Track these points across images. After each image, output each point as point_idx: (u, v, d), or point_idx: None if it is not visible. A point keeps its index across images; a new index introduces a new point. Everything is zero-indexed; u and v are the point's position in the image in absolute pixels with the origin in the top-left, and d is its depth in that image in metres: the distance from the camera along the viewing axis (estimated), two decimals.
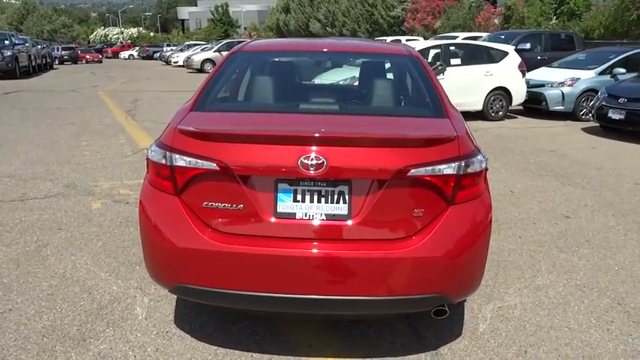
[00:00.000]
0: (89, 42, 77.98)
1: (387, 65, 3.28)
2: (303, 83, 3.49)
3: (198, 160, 2.17)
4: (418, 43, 12.95)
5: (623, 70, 10.48)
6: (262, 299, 2.19)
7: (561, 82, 10.64)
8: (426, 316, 2.82)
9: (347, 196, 2.16)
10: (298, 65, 3.51)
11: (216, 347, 2.58)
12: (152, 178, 2.35)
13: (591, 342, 2.71)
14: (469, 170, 2.19)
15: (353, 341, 2.66)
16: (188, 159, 2.19)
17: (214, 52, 26.01)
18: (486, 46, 10.96)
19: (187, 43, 43.61)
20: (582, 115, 10.59)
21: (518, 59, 10.63)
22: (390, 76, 3.13)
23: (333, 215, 2.17)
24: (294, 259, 2.14)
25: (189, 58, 26.84)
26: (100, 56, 42.91)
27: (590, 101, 10.41)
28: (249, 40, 3.46)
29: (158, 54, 42.15)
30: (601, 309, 3.06)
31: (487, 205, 2.32)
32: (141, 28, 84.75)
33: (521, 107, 11.24)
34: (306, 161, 2.08)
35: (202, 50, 28.63)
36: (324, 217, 2.17)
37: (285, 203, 2.17)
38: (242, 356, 2.51)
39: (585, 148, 8.00)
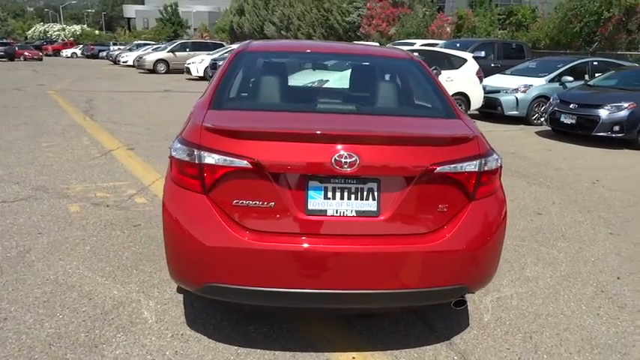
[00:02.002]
0: (26, 38, 73.88)
1: (395, 68, 3.37)
2: (312, 81, 3.53)
3: (230, 158, 2.16)
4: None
5: (570, 78, 11.18)
6: (295, 296, 2.21)
7: (515, 89, 11.20)
8: (433, 308, 2.95)
9: (376, 193, 2.22)
10: (317, 67, 3.54)
11: (236, 347, 2.57)
12: (176, 176, 2.32)
13: (586, 326, 2.91)
14: (487, 168, 2.31)
15: (369, 335, 2.72)
16: (218, 157, 2.18)
17: (168, 52, 25.41)
18: (447, 53, 11.36)
19: (136, 42, 42.29)
20: (534, 119, 11.19)
21: (476, 66, 11.10)
22: (398, 78, 3.22)
23: (363, 212, 2.22)
24: (326, 255, 2.18)
25: (140, 58, 26.05)
26: (40, 53, 40.73)
27: (542, 107, 11.03)
28: (249, 41, 3.44)
29: (105, 53, 40.62)
30: (588, 297, 3.28)
31: (502, 201, 2.45)
32: (84, 26, 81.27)
33: (477, 112, 11.72)
34: (339, 159, 2.13)
35: (154, 50, 27.87)
36: (354, 213, 2.22)
37: (316, 200, 2.21)
38: (264, 355, 2.51)
39: (542, 150, 8.46)
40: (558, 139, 9.37)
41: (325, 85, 3.58)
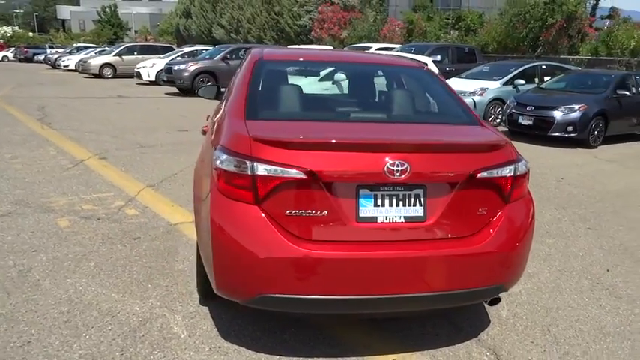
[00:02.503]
0: None
1: (410, 76, 3.49)
2: (339, 90, 3.59)
3: (284, 169, 2.19)
4: None
5: (522, 81, 11.82)
6: (349, 302, 2.27)
7: (472, 92, 11.67)
8: (456, 308, 3.07)
9: (422, 199, 2.32)
10: (334, 75, 3.59)
11: (278, 356, 2.59)
12: (224, 187, 2.30)
13: (593, 316, 3.14)
14: (519, 172, 2.47)
15: (402, 337, 2.81)
16: (271, 167, 2.19)
17: (114, 56, 24.51)
18: (409, 58, 11.68)
19: (76, 45, 40.44)
20: (490, 121, 11.72)
21: (436, 70, 11.48)
22: (416, 86, 3.34)
23: (411, 217, 2.31)
24: (378, 261, 2.25)
25: (85, 62, 24.95)
26: None
27: (497, 109, 11.59)
28: (262, 48, 3.44)
29: (42, 57, 38.55)
30: (586, 289, 3.53)
31: (531, 202, 2.62)
32: (16, 27, 76.70)
33: None
34: (392, 167, 2.21)
35: (99, 54, 26.79)
36: (402, 219, 2.30)
37: (367, 208, 2.27)
38: None
39: None
40: (516, 140, 9.84)
41: (341, 91, 3.64)
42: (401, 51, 14.92)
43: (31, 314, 2.90)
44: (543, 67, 12.53)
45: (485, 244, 2.36)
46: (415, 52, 14.22)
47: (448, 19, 21.16)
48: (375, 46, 16.64)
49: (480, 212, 2.40)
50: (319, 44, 25.06)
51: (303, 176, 2.19)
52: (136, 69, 21.64)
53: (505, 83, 11.91)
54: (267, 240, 2.21)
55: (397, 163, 2.22)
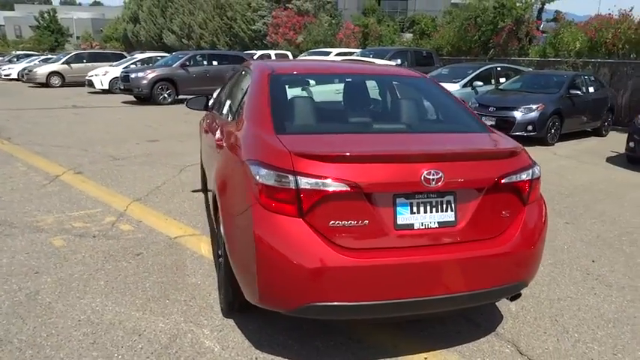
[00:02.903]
0: None
1: (417, 86, 3.64)
2: (355, 102, 3.68)
3: (327, 182, 2.27)
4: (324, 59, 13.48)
5: (480, 83, 12.35)
6: (392, 306, 2.38)
7: None
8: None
9: (453, 205, 2.46)
10: (349, 87, 3.67)
11: None
12: (266, 201, 2.35)
13: (592, 305, 3.40)
14: (535, 176, 2.67)
15: (426, 336, 2.95)
16: (315, 181, 2.28)
17: (62, 64, 23.53)
18: (373, 62, 11.94)
19: (16, 53, 38.50)
20: None
21: None
22: (425, 96, 3.49)
23: (444, 222, 2.45)
24: (418, 266, 2.38)
25: (30, 70, 23.81)
26: None
27: None
28: (264, 60, 3.47)
29: None
30: (579, 280, 3.80)
31: (543, 203, 2.82)
32: None
33: None
34: (428, 176, 2.34)
35: (44, 62, 25.64)
36: (436, 224, 2.44)
37: (404, 215, 2.40)
38: None
39: None
40: None
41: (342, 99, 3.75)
42: (361, 55, 15.17)
43: (53, 338, 2.84)
44: (498, 69, 13.13)
45: (510, 244, 2.54)
46: (375, 56, 14.50)
47: (402, 22, 21.74)
48: (334, 50, 16.87)
49: (504, 215, 2.57)
50: (275, 49, 25.08)
51: (347, 188, 2.28)
52: (87, 77, 20.90)
53: (464, 85, 12.39)
54: (313, 251, 2.29)
55: (433, 171, 2.35)
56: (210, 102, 4.96)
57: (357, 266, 2.31)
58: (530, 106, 9.97)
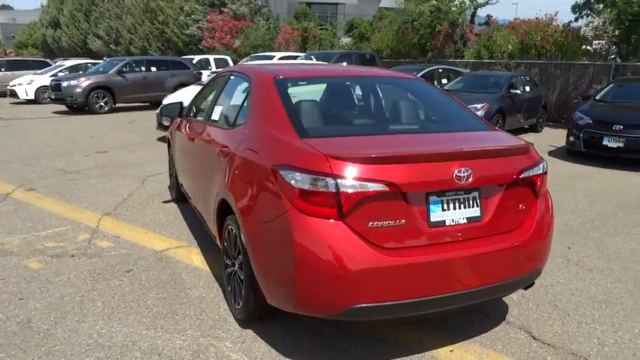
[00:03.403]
0: None
1: (418, 88, 3.73)
2: (363, 104, 3.69)
3: (366, 183, 2.29)
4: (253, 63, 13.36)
5: None
6: (431, 302, 2.44)
7: None
8: None
9: (478, 200, 2.57)
10: (350, 90, 3.68)
11: None
12: (304, 206, 2.33)
13: (582, 289, 3.65)
14: (544, 170, 2.83)
15: (445, 330, 3.05)
16: (355, 183, 2.29)
17: None
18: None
19: None
20: None
21: None
22: (428, 97, 3.58)
23: (471, 218, 2.55)
24: (452, 261, 2.46)
25: None
26: None
27: None
28: (260, 66, 3.41)
29: None
30: (563, 266, 4.07)
31: (549, 195, 2.99)
32: None
33: None
34: (459, 173, 2.43)
35: None
36: (465, 220, 2.53)
37: (436, 213, 2.47)
38: None
39: None
40: None
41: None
42: (305, 58, 15.29)
43: None
44: (440, 70, 13.71)
45: (529, 235, 2.68)
46: (320, 59, 14.67)
47: (331, 25, 22.05)
48: (277, 54, 16.83)
49: (520, 208, 2.71)
50: (211, 54, 24.62)
51: (386, 188, 2.32)
52: (9, 87, 19.42)
53: None
54: (356, 253, 2.30)
55: (463, 169, 2.44)
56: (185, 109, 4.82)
57: (397, 265, 2.34)
58: (476, 105, 10.46)
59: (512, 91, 11.14)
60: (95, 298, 3.39)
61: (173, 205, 5.54)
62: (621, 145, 7.94)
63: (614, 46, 14.19)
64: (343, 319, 2.45)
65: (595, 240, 4.70)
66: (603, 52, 14.50)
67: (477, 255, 2.53)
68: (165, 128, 10.34)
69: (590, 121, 8.46)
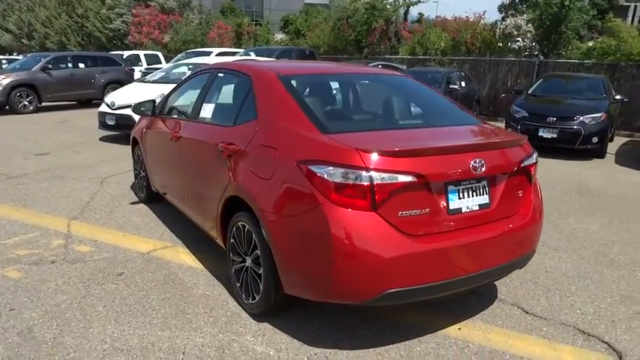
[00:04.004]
0: None
1: (411, 85, 3.89)
2: (368, 100, 3.79)
3: (397, 175, 2.44)
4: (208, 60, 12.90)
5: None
6: (457, 282, 2.65)
7: None
8: None
9: (487, 188, 2.80)
10: (353, 86, 3.77)
11: (370, 348, 2.80)
12: (338, 199, 2.43)
13: (554, 267, 4.05)
14: (536, 159, 3.12)
15: (450, 311, 3.28)
16: (387, 175, 2.43)
17: None
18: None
19: None
20: None
21: None
22: (423, 92, 3.77)
23: (482, 204, 2.78)
24: (470, 245, 2.68)
25: None
26: None
27: None
28: (255, 63, 3.41)
29: None
30: (542, 251, 4.42)
31: (538, 182, 3.29)
32: None
33: None
34: (475, 164, 2.64)
35: None
36: (477, 207, 2.76)
37: (454, 201, 2.67)
38: (400, 347, 2.85)
39: None
40: None
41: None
42: (244, 55, 15.14)
43: None
44: (380, 66, 14.12)
45: (527, 219, 2.96)
46: (259, 55, 14.59)
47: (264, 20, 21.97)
48: (215, 50, 16.50)
49: (518, 193, 2.98)
50: (139, 49, 23.64)
51: (414, 179, 2.47)
52: None
53: None
54: (389, 241, 2.45)
55: (478, 160, 2.66)
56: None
57: (425, 251, 2.52)
58: None
59: (450, 86, 11.76)
60: (94, 303, 3.28)
61: (143, 207, 5.38)
62: (555, 135, 8.69)
63: (536, 44, 15.40)
64: (375, 304, 2.58)
65: (552, 223, 5.17)
66: (527, 50, 15.68)
67: (490, 238, 2.77)
68: (108, 128, 10.00)
69: (527, 114, 9.17)
